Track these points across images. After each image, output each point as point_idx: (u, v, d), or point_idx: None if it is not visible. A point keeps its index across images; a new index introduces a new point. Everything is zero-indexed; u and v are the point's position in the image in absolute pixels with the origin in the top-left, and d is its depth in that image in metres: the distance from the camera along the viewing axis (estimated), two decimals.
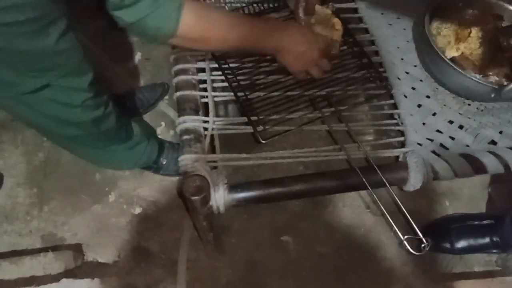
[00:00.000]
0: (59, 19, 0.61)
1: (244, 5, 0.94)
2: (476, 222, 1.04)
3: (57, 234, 1.05)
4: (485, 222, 1.03)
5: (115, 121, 0.85)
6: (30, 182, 1.11)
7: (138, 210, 1.08)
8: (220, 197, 0.70)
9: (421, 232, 0.98)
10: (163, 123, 1.21)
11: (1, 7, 0.52)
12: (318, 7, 0.86)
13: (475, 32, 0.91)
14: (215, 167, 0.75)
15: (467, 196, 1.11)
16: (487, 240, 1.01)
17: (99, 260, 1.02)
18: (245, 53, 0.84)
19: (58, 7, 0.60)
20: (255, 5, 0.93)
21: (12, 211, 1.07)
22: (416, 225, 0.74)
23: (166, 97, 1.25)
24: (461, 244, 1.02)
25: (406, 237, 0.70)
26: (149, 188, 1.11)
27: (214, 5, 0.91)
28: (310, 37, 0.79)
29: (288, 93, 0.84)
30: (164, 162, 1.08)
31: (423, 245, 0.70)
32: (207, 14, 0.65)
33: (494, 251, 1.03)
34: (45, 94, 0.68)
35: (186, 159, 0.72)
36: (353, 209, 1.08)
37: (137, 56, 1.33)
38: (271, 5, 0.94)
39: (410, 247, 0.70)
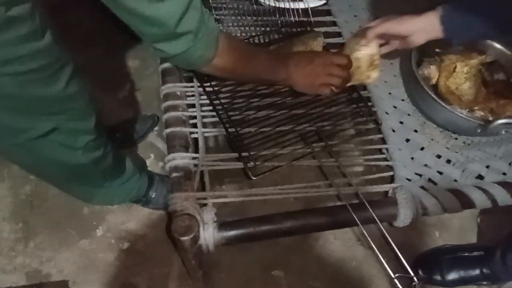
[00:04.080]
0: (67, 64, 0.63)
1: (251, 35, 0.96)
2: (466, 254, 1.04)
3: (43, 270, 1.02)
4: (475, 253, 1.03)
5: (113, 160, 0.85)
6: (16, 217, 1.09)
7: (126, 244, 1.06)
8: (209, 236, 0.69)
9: (411, 264, 0.98)
10: (152, 155, 1.21)
11: (16, 57, 0.53)
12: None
13: (460, 67, 0.93)
14: (204, 204, 0.75)
15: (457, 227, 1.12)
16: (477, 272, 1.01)
17: None
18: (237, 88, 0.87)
19: (65, 52, 0.62)
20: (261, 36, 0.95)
21: None
22: (406, 258, 0.74)
23: (156, 128, 1.25)
24: (452, 276, 1.02)
25: (397, 275, 0.69)
26: (138, 222, 1.09)
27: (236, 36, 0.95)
28: (308, 54, 0.85)
29: (279, 128, 0.84)
30: (153, 196, 1.06)
31: (414, 283, 0.70)
32: (236, 41, 0.73)
33: (485, 283, 1.03)
34: (50, 138, 0.68)
35: (176, 198, 0.71)
36: (344, 242, 1.07)
37: (127, 87, 1.33)
38: (276, 36, 0.97)
39: (401, 285, 0.70)
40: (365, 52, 0.82)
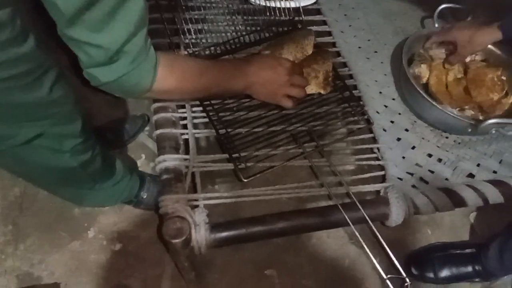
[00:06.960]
0: (51, 68, 0.61)
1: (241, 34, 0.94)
2: (458, 251, 1.04)
3: (34, 273, 1.01)
4: (467, 250, 1.04)
5: (101, 162, 0.84)
6: (5, 219, 1.08)
7: (118, 246, 1.05)
8: (201, 238, 0.69)
9: (404, 262, 0.98)
10: (143, 155, 1.20)
11: None
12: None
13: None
14: (196, 205, 0.74)
15: (449, 224, 1.12)
16: (469, 269, 1.02)
17: None
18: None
19: (50, 56, 0.60)
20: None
21: None
22: (399, 256, 0.74)
23: (147, 128, 1.24)
24: (444, 273, 1.02)
25: (388, 276, 0.69)
26: (129, 223, 1.08)
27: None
28: (271, 61, 0.81)
29: (270, 128, 0.84)
30: (145, 196, 1.06)
31: (406, 284, 0.70)
32: (179, 64, 0.66)
33: (477, 280, 1.03)
34: (36, 144, 0.66)
35: (166, 200, 0.71)
36: (337, 240, 1.07)
37: None
38: (266, 35, 0.96)
39: (393, 286, 0.70)
40: (323, 68, 0.86)
